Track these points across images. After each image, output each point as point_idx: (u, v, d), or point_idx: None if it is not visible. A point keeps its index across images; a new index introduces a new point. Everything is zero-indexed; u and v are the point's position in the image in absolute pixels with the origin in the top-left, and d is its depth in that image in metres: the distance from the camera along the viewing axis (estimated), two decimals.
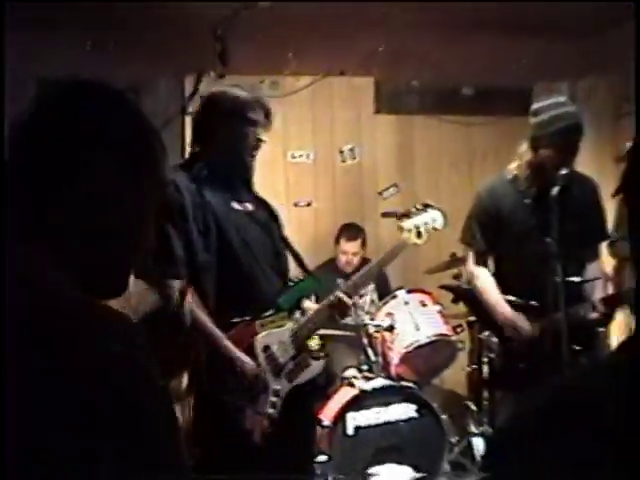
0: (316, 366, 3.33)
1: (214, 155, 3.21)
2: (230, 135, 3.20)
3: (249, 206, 3.28)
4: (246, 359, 3.09)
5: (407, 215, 3.62)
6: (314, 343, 3.35)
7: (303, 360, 3.25)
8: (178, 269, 2.98)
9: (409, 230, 3.59)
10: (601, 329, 4.12)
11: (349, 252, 5.87)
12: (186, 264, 3.00)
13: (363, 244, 5.93)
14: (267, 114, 3.26)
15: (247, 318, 3.13)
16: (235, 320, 3.10)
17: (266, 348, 3.15)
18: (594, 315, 3.63)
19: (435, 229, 3.65)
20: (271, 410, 3.13)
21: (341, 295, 3.28)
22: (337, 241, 5.96)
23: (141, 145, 1.23)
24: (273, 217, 3.40)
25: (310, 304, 3.39)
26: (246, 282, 3.14)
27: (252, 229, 3.24)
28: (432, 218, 3.64)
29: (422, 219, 3.62)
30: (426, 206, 3.66)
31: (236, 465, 2.97)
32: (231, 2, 5.30)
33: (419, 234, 3.60)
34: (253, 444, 3.08)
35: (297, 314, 3.29)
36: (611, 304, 3.66)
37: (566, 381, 1.10)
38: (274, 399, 3.15)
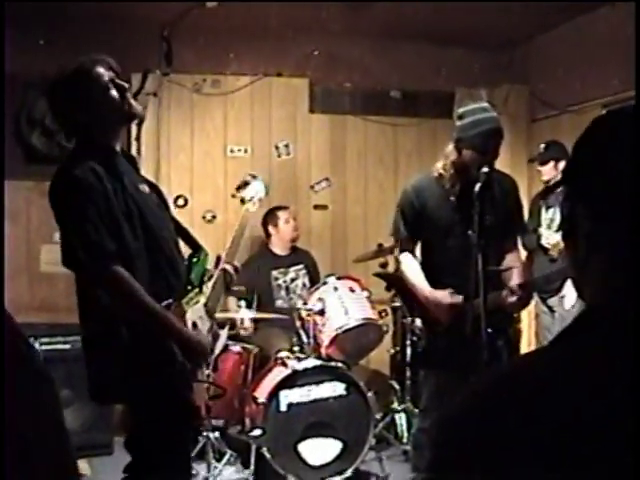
0: (223, 335, 3.33)
1: (106, 127, 2.93)
2: (107, 103, 2.88)
3: (146, 188, 3.02)
4: (200, 336, 2.98)
5: (241, 187, 3.65)
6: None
7: (215, 331, 3.20)
8: (114, 257, 2.73)
9: (249, 199, 3.61)
10: (514, 314, 4.23)
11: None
12: (118, 253, 2.74)
13: None
14: (112, 69, 2.95)
15: (170, 301, 2.87)
16: (169, 302, 2.86)
17: (194, 325, 3.00)
18: (511, 299, 3.68)
19: (260, 199, 3.66)
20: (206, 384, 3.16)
21: (226, 266, 3.29)
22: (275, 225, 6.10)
23: None
24: (162, 199, 3.17)
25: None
26: (170, 264, 2.96)
27: (156, 211, 3.01)
28: (258, 188, 3.65)
29: (252, 190, 3.62)
30: (253, 177, 3.68)
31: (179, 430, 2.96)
32: (179, 2, 5.26)
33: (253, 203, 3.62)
34: (198, 414, 3.12)
35: (204, 288, 3.16)
36: (525, 289, 3.73)
37: (507, 369, 1.06)
38: (207, 371, 3.11)
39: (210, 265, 3.28)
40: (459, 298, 3.68)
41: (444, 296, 3.77)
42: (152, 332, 2.80)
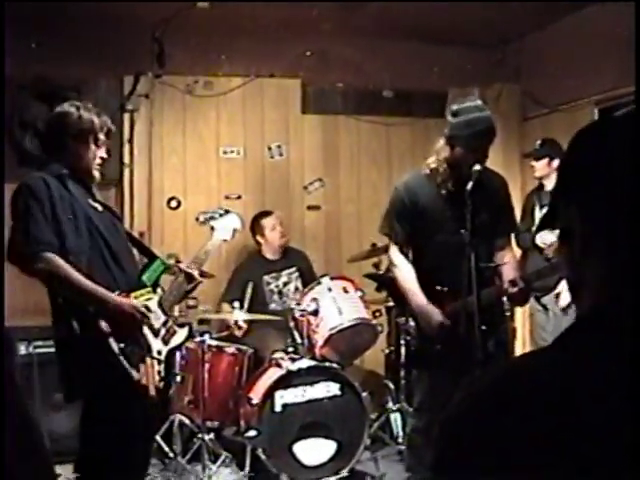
0: (182, 333, 3.62)
1: (69, 162, 3.41)
2: (84, 150, 3.43)
3: (99, 207, 3.51)
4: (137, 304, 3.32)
5: (214, 217, 4.09)
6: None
7: (171, 327, 3.54)
8: (51, 246, 3.14)
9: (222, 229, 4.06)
10: (507, 313, 4.23)
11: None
12: (57, 247, 3.16)
13: None
14: (108, 134, 3.53)
15: (117, 292, 3.30)
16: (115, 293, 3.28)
17: (147, 308, 3.38)
18: (512, 290, 3.64)
19: (235, 230, 4.13)
20: (157, 367, 3.39)
21: (186, 269, 3.71)
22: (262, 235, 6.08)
23: None
24: (117, 218, 3.73)
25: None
26: (114, 262, 3.37)
27: (107, 224, 3.48)
28: (234, 220, 4.12)
29: (228, 221, 4.08)
30: (227, 211, 4.14)
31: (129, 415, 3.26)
32: (171, 2, 5.24)
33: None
34: (149, 397, 3.34)
35: (158, 289, 3.58)
36: (525, 282, 3.71)
37: (505, 369, 1.05)
38: (158, 357, 3.41)
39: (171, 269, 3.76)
40: (448, 321, 3.67)
41: (435, 314, 3.73)
42: (87, 309, 3.20)
